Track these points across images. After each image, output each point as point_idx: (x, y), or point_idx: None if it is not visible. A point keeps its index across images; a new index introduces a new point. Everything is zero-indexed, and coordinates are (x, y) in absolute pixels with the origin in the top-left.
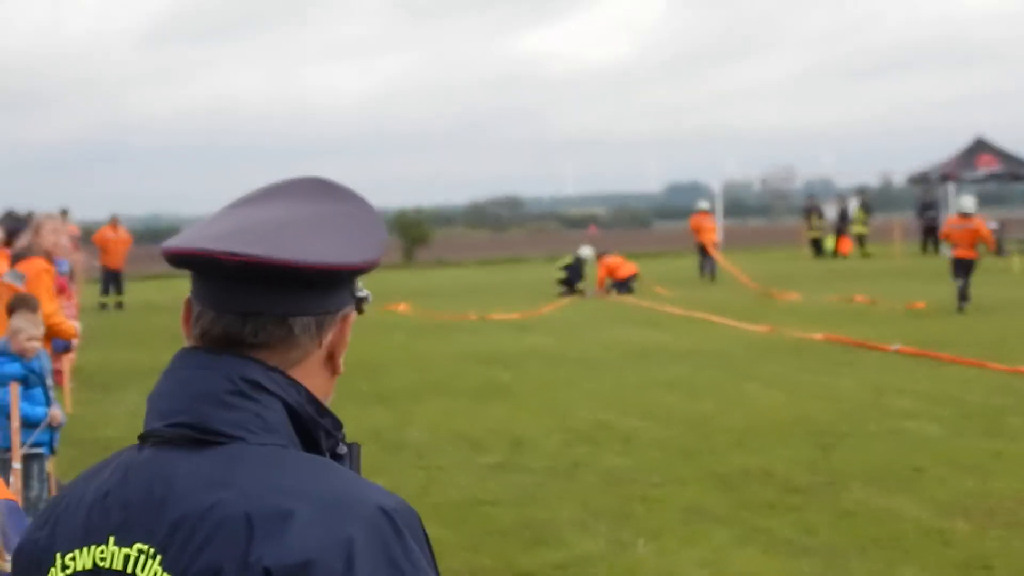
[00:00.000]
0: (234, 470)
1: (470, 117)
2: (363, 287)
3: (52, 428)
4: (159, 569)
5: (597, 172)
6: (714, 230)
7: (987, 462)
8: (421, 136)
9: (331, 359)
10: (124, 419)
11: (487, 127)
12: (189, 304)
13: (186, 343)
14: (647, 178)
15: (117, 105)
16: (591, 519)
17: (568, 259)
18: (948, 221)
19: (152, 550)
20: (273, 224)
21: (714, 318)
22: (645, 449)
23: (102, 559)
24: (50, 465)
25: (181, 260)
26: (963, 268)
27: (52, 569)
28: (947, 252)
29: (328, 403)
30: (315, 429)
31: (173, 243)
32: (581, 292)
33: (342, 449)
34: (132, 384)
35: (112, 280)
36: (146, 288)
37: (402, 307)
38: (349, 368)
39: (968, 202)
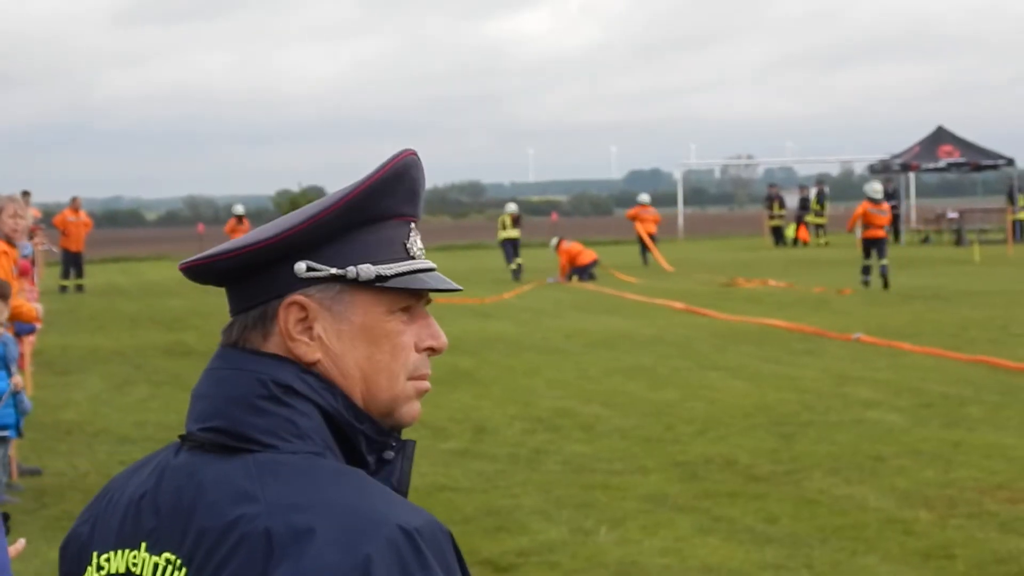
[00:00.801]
0: (262, 482)
1: (436, 102)
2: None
3: (18, 411)
4: None
5: (559, 159)
6: (653, 221)
7: (948, 452)
8: (386, 121)
9: (291, 352)
10: (84, 403)
11: (453, 112)
12: None
13: None
14: (608, 165)
15: (84, 87)
16: (553, 507)
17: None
18: (862, 205)
19: (179, 561)
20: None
21: (676, 305)
22: (607, 437)
23: (134, 564)
24: (12, 449)
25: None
26: (875, 246)
27: (89, 568)
28: (858, 233)
29: (382, 397)
30: (354, 435)
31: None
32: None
33: (388, 454)
34: (92, 368)
35: (72, 263)
36: (107, 271)
37: None
38: None
39: (877, 187)
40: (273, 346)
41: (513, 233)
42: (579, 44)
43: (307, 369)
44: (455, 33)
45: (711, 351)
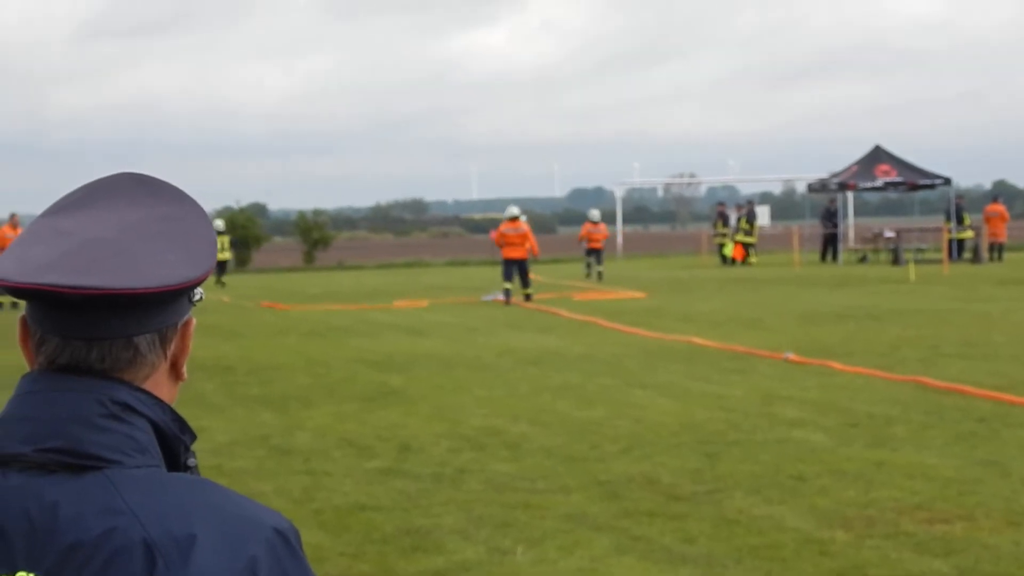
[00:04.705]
0: (122, 495)
1: (386, 119)
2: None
3: None
4: None
5: (504, 176)
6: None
7: (870, 471)
8: (335, 137)
9: (175, 367)
10: None
11: (399, 129)
12: (26, 325)
13: (27, 363)
14: (552, 183)
15: (34, 103)
16: (472, 526)
17: None
18: (586, 225)
19: None
20: (106, 243)
21: (606, 323)
22: (532, 456)
23: None
24: None
25: (19, 293)
26: (594, 254)
27: None
28: (585, 244)
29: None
30: (177, 446)
31: (7, 275)
32: None
33: (192, 461)
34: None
35: None
36: None
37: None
38: (241, 373)
39: (595, 213)
40: (161, 364)
41: (227, 255)
42: (534, 61)
43: (136, 387)
44: (410, 49)
45: (640, 369)
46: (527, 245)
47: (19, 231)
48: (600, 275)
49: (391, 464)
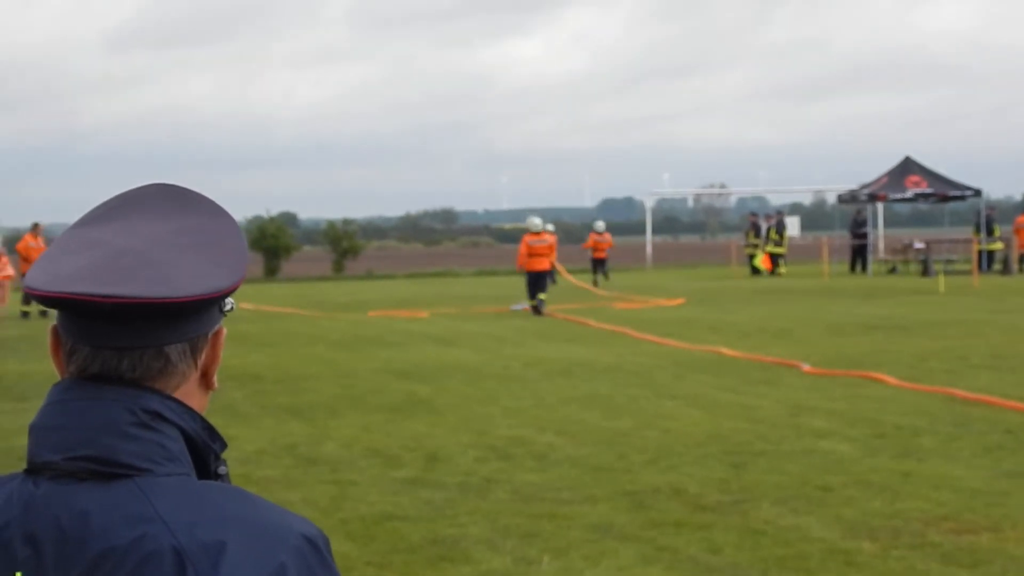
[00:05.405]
0: (152, 503)
1: (415, 129)
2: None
3: None
4: None
5: (534, 186)
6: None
7: (896, 482)
8: (366, 147)
9: (206, 377)
10: None
11: (430, 139)
12: (57, 335)
13: (57, 373)
14: (582, 193)
15: (68, 113)
16: (499, 536)
17: None
18: (591, 236)
19: None
20: (137, 253)
21: (636, 334)
22: (559, 466)
23: None
24: None
25: (51, 303)
26: (600, 264)
27: None
28: (589, 254)
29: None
30: (208, 454)
31: (39, 284)
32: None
33: (222, 469)
34: (44, 394)
35: None
36: None
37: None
38: (270, 382)
39: (599, 224)
40: (192, 374)
41: None
42: (566, 72)
43: (167, 396)
44: (441, 60)
45: (669, 380)
46: (552, 256)
47: (40, 240)
48: (599, 281)
49: (418, 474)
